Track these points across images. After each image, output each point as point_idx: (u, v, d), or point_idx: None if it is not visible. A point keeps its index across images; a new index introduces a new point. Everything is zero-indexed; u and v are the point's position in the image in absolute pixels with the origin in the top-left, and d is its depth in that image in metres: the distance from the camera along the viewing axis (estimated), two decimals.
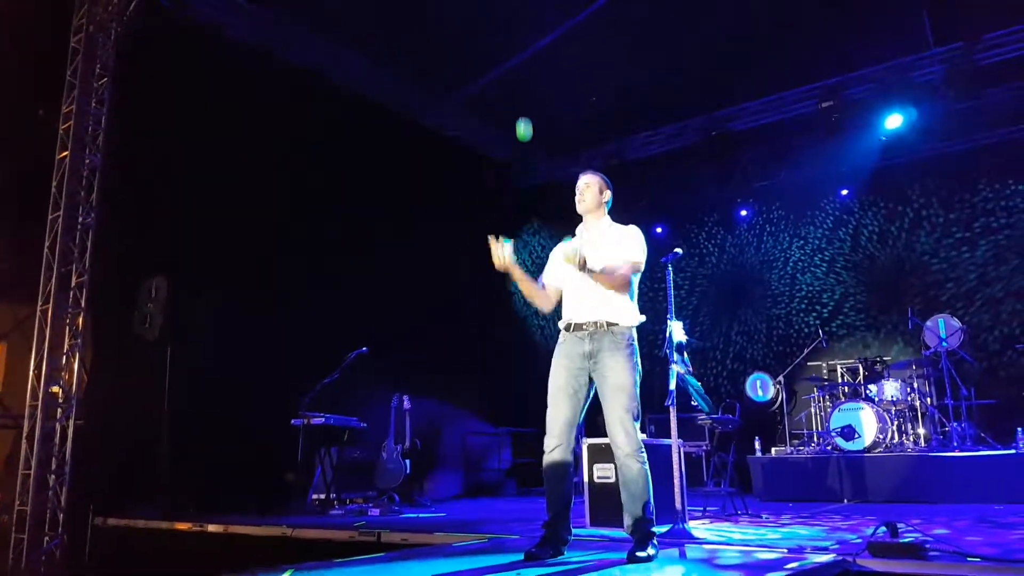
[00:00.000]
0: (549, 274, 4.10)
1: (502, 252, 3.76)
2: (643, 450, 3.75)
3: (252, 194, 7.64)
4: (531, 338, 11.38)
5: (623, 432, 3.71)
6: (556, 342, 3.98)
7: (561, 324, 3.99)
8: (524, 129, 3.97)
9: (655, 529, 3.75)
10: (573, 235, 4.11)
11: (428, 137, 9.72)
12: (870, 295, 10.43)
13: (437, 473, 9.43)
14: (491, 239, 3.78)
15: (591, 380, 3.87)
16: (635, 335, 3.90)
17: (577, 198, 4.07)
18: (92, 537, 6.33)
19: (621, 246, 3.94)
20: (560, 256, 3.97)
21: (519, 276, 3.87)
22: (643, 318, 3.94)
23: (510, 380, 10.27)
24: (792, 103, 9.58)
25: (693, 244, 11.85)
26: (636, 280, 3.96)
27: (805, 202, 11.04)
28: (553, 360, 3.94)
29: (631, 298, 3.93)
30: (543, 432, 3.85)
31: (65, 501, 6.44)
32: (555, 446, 3.79)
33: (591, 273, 3.78)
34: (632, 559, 3.54)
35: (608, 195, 4.10)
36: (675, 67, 8.52)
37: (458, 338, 10.11)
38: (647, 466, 3.74)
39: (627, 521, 3.75)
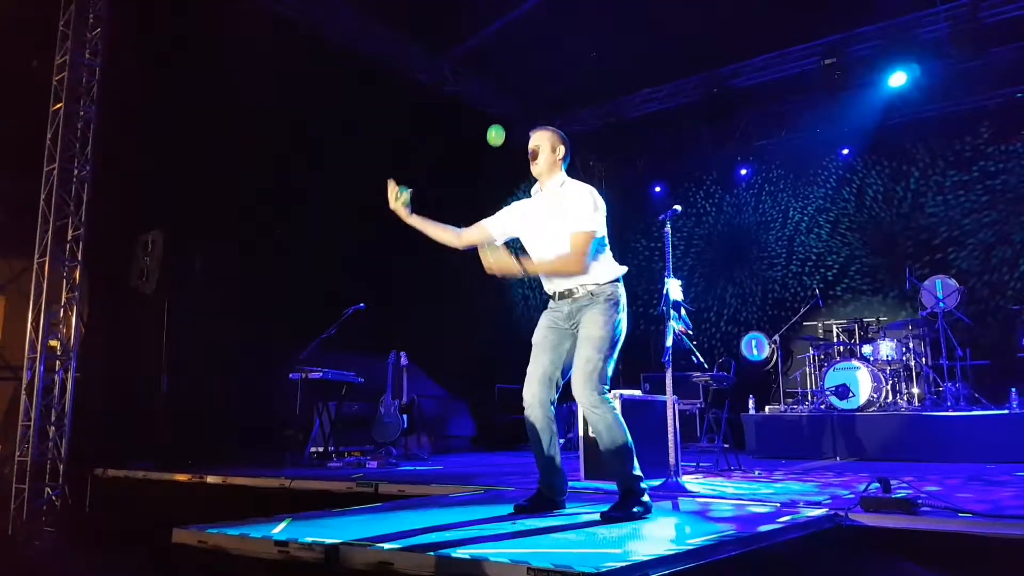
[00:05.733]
0: (498, 224, 3.92)
1: (396, 197, 3.79)
2: (605, 401, 3.52)
3: (248, 148, 7.55)
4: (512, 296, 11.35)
5: (580, 382, 3.52)
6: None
7: (546, 291, 3.85)
8: (496, 135, 3.85)
9: (645, 484, 3.57)
10: (529, 194, 3.89)
11: (423, 94, 9.57)
12: (873, 257, 10.39)
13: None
14: (390, 182, 3.79)
15: (575, 340, 3.68)
16: (619, 289, 3.69)
17: (531, 160, 3.77)
18: (92, 488, 6.40)
19: (568, 217, 3.62)
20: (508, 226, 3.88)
21: (412, 221, 3.86)
22: (624, 269, 3.76)
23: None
24: (794, 60, 9.44)
25: (691, 204, 11.73)
26: (601, 239, 3.70)
27: (806, 161, 10.95)
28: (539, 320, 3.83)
29: (603, 256, 3.70)
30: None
31: (65, 452, 6.50)
32: (529, 403, 3.66)
33: (539, 266, 3.68)
34: (604, 518, 3.36)
35: (562, 151, 3.78)
36: (675, 23, 8.36)
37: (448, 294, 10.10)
38: (613, 415, 3.53)
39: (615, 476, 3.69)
